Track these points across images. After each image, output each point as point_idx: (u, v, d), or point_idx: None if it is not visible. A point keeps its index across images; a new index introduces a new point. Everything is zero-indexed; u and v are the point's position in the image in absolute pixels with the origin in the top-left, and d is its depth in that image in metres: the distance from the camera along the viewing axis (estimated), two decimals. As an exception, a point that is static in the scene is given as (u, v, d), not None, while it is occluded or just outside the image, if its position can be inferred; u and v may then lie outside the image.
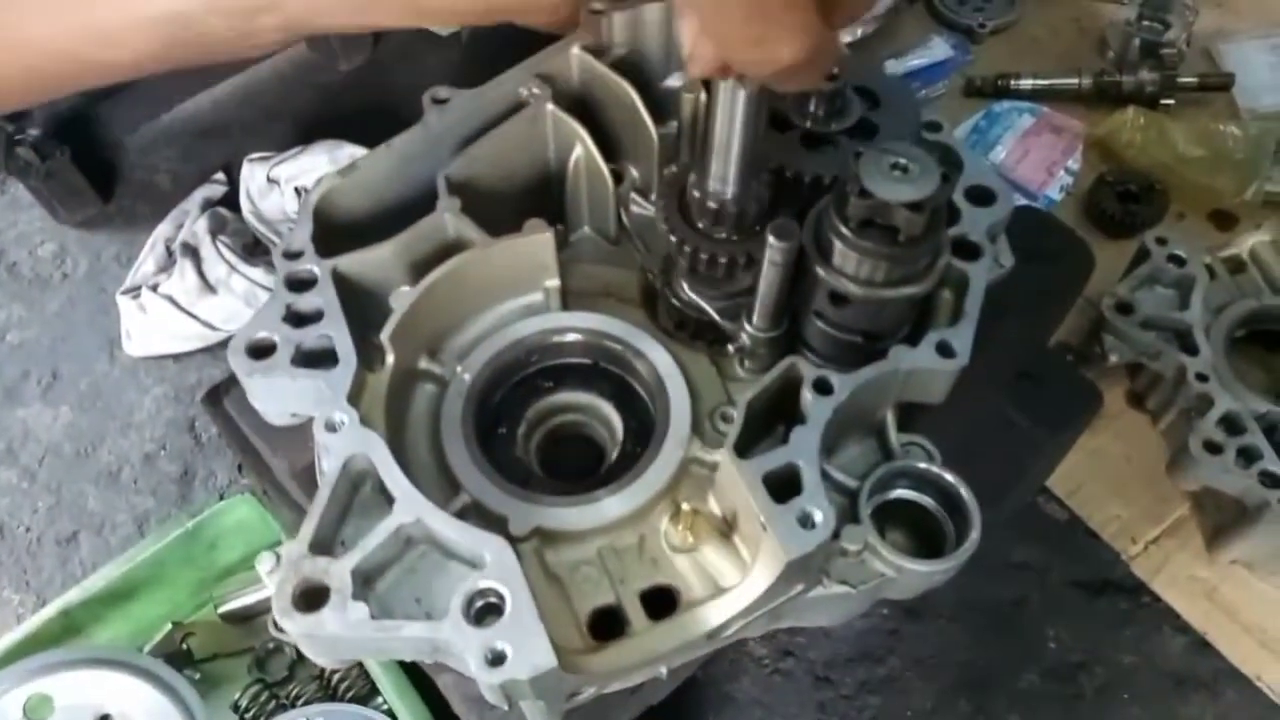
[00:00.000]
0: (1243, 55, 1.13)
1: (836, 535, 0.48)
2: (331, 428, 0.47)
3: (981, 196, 0.56)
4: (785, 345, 0.53)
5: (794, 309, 0.51)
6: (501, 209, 0.56)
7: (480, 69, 1.04)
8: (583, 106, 0.60)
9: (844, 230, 0.46)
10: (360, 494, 0.47)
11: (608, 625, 0.48)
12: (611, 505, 0.50)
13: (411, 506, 0.45)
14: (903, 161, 0.45)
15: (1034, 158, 1.05)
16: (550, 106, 0.58)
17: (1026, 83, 1.11)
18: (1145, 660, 0.82)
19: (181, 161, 1.11)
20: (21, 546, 0.88)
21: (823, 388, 0.49)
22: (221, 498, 0.92)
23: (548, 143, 0.59)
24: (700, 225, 0.51)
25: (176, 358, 0.98)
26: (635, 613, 0.47)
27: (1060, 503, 0.88)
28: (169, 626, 0.75)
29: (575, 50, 0.59)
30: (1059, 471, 0.88)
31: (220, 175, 1.08)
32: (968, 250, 0.53)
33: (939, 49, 1.16)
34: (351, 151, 0.99)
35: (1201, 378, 0.80)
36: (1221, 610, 0.82)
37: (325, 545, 0.45)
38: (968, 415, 0.67)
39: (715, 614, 0.47)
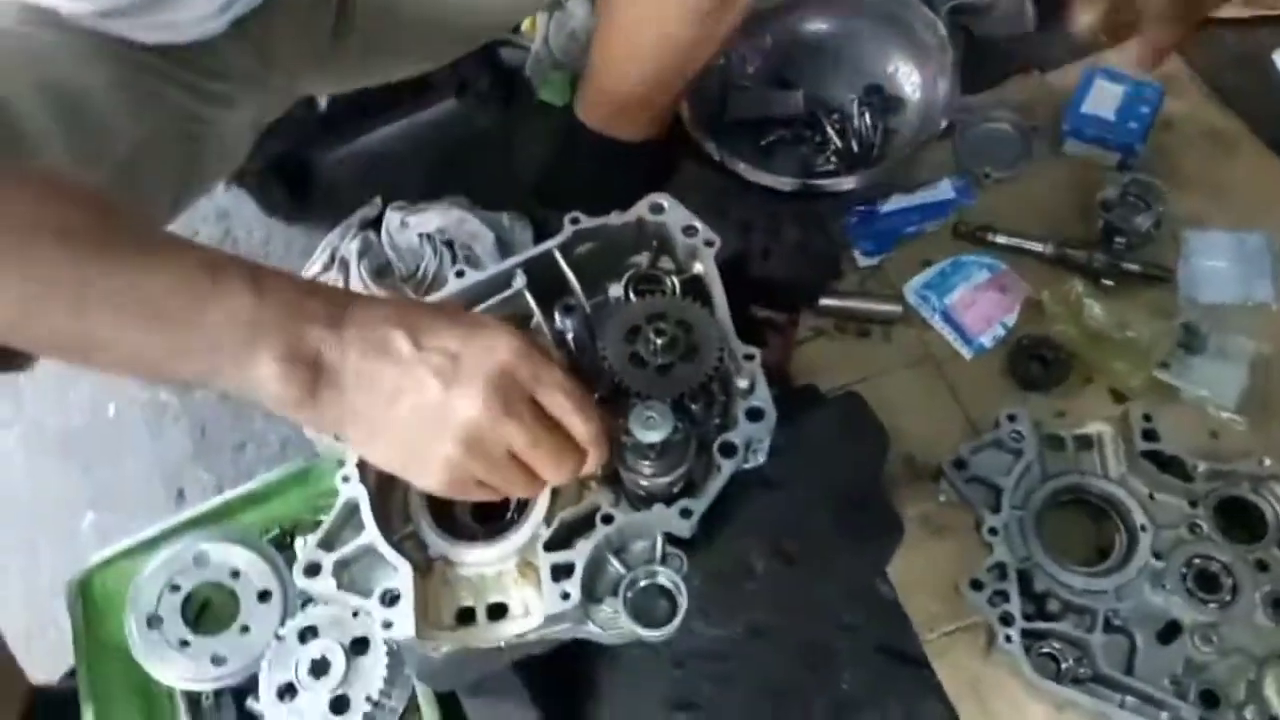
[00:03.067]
0: (1205, 244, 1.28)
1: (601, 600, 0.84)
2: (346, 479, 0.87)
3: (755, 415, 0.86)
4: (616, 478, 0.87)
5: (619, 464, 0.85)
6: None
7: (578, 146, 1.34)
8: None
9: (623, 448, 0.79)
10: (354, 518, 0.87)
11: (467, 617, 0.86)
12: (488, 552, 0.87)
13: (372, 534, 0.84)
14: (651, 414, 0.77)
15: (978, 309, 1.28)
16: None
17: (1000, 238, 1.33)
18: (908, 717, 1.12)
19: (354, 183, 1.53)
20: (215, 446, 1.38)
21: (606, 520, 0.83)
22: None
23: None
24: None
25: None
26: (481, 614, 0.84)
27: (892, 587, 1.18)
28: (278, 529, 1.21)
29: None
30: (902, 565, 1.16)
31: (377, 200, 1.48)
32: (727, 450, 0.84)
33: (944, 190, 1.38)
34: (459, 215, 1.37)
35: (992, 531, 1.07)
36: (977, 697, 1.10)
37: (329, 544, 0.84)
38: (807, 530, 1.00)
39: (519, 627, 0.84)
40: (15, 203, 0.64)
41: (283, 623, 1.14)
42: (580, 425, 0.73)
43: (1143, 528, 1.06)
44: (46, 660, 1.23)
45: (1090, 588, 1.04)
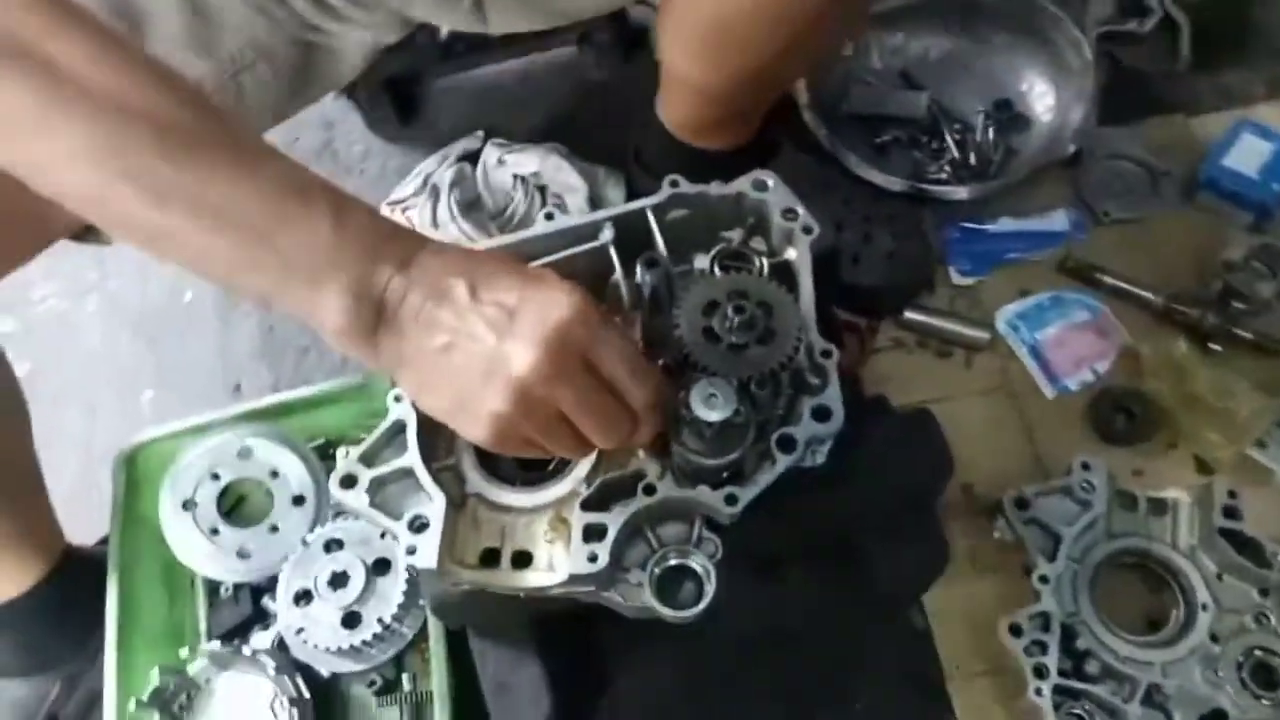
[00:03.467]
0: (1333, 326, 1.20)
1: (628, 570, 0.82)
2: (397, 399, 0.86)
3: (822, 414, 0.82)
4: (665, 450, 0.84)
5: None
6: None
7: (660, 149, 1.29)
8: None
9: (679, 421, 0.77)
10: (398, 438, 0.86)
11: (491, 559, 0.84)
12: (524, 499, 0.85)
13: (413, 458, 0.83)
14: (714, 392, 0.74)
15: (1070, 349, 1.22)
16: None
17: (1108, 280, 1.26)
18: (918, 749, 1.08)
19: (460, 113, 1.52)
20: (279, 346, 1.39)
21: (648, 490, 0.80)
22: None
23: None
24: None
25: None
26: (505, 560, 0.83)
27: (926, 616, 1.13)
28: (324, 439, 1.21)
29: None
30: (939, 595, 1.12)
31: (479, 133, 1.47)
32: (786, 444, 0.81)
33: (1058, 221, 1.32)
34: (556, 162, 1.35)
35: (1043, 579, 1.02)
36: (992, 744, 1.06)
37: (369, 459, 0.83)
38: (850, 542, 0.96)
39: (542, 580, 0.82)
40: (121, 85, 0.62)
41: (311, 530, 1.14)
42: (635, 392, 0.70)
43: (1204, 606, 1.00)
44: (85, 523, 1.26)
45: (1136, 656, 0.99)
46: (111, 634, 1.10)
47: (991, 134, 1.36)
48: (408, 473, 0.84)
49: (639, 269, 0.76)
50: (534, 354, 0.65)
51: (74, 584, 1.19)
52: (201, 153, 0.63)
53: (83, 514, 1.26)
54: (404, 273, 0.68)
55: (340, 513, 1.15)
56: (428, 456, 0.83)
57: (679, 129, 1.21)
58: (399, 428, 0.85)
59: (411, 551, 0.79)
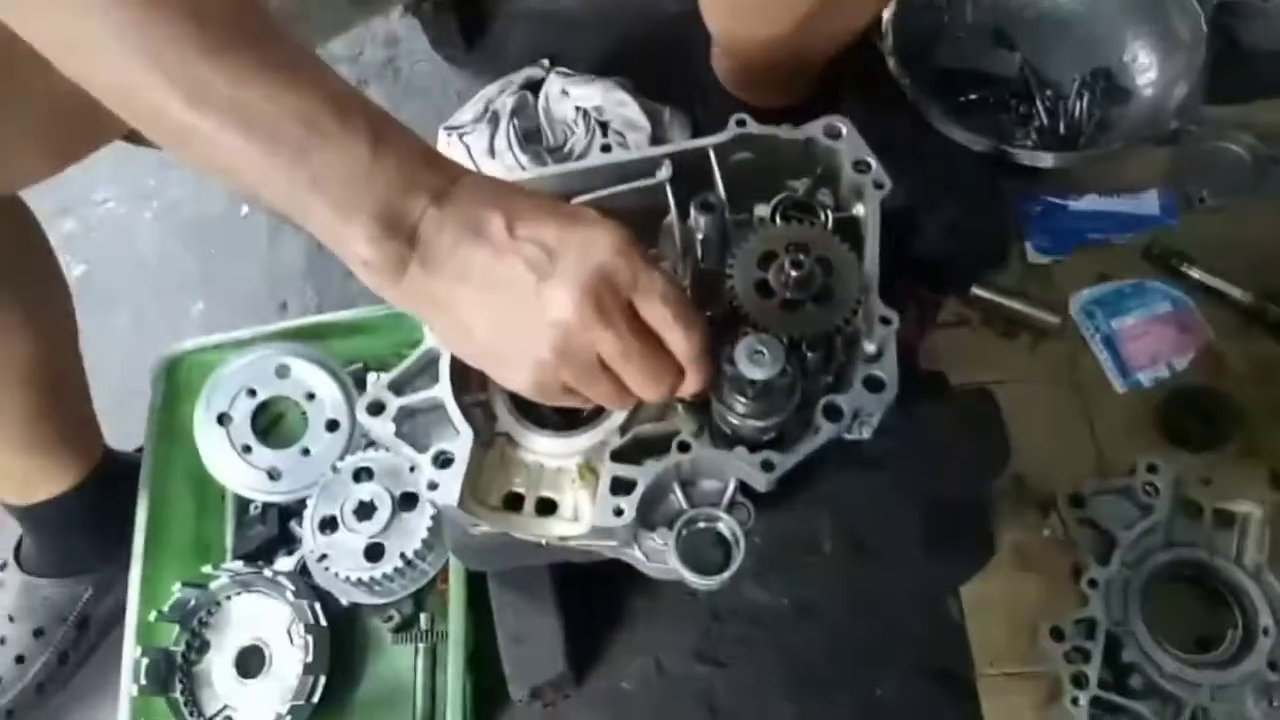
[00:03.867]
0: None
1: (654, 528, 0.78)
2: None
3: (875, 385, 0.77)
4: (704, 407, 0.80)
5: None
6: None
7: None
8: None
9: (721, 377, 0.72)
10: (431, 368, 0.83)
11: (514, 503, 0.81)
12: (554, 444, 0.82)
13: (443, 390, 0.80)
14: (761, 349, 0.70)
15: (1147, 341, 1.14)
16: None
17: (1196, 272, 1.17)
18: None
19: (527, 39, 1.47)
20: (326, 267, 1.38)
21: (683, 447, 0.77)
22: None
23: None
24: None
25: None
26: (529, 505, 0.80)
27: (962, 609, 1.08)
28: (362, 365, 1.20)
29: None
30: (978, 589, 1.07)
31: (545, 62, 1.42)
32: (832, 412, 0.76)
33: (1148, 203, 1.23)
34: (619, 97, 1.29)
35: (1092, 584, 0.96)
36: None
37: (398, 387, 0.81)
38: (889, 522, 0.91)
39: (564, 530, 0.79)
40: None
41: (342, 457, 1.13)
42: (680, 340, 0.66)
43: (1265, 631, 0.94)
44: (127, 430, 1.26)
45: (1185, 676, 0.93)
46: (139, 542, 1.11)
47: (1085, 103, 1.26)
48: (437, 405, 0.81)
49: (693, 212, 0.71)
50: (574, 297, 0.61)
51: (111, 489, 1.19)
52: (241, 51, 0.59)
53: (124, 420, 1.26)
54: (439, 205, 0.64)
55: (372, 442, 1.13)
56: (459, 389, 0.81)
57: (726, 82, 1.17)
58: (432, 357, 0.82)
59: (433, 487, 0.77)
